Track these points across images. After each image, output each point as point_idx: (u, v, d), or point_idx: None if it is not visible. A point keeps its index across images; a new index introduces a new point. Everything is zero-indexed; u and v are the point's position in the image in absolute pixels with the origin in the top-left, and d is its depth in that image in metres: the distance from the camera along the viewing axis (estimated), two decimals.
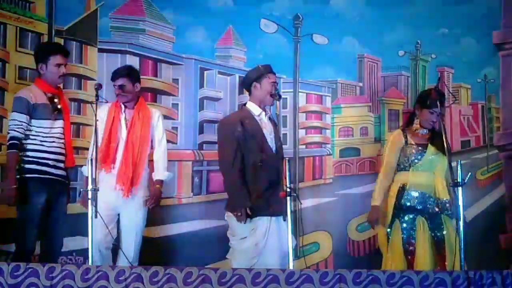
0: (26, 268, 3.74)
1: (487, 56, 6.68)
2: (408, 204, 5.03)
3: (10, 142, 4.85)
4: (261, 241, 4.73)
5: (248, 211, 4.69)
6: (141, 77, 5.77)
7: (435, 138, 5.02)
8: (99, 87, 4.69)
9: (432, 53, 6.77)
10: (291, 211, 4.21)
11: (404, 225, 5.00)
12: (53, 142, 4.93)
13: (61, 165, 4.98)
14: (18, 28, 6.12)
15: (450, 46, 6.70)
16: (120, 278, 3.70)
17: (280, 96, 4.72)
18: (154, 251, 5.70)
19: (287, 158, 4.29)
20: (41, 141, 4.89)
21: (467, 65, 6.73)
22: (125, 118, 5.13)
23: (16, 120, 4.85)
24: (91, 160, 4.33)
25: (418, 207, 5.01)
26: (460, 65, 6.73)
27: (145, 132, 5.11)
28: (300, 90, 6.63)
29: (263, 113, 4.94)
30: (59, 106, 4.96)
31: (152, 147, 5.21)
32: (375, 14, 6.63)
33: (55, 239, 4.99)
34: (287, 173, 4.21)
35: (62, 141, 5.00)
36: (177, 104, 6.50)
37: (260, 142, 4.87)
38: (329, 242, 6.46)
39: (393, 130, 6.81)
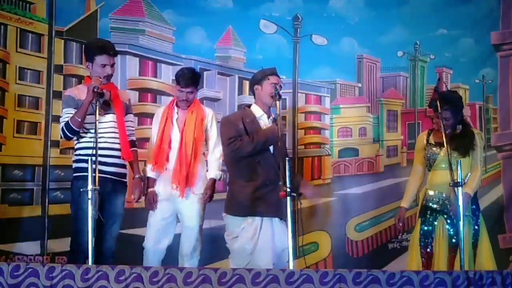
0: (26, 268, 3.71)
1: (486, 56, 6.71)
2: (428, 204, 5.02)
3: (64, 124, 4.71)
4: (250, 241, 4.71)
5: None
6: (141, 77, 5.81)
7: (454, 137, 4.95)
8: (98, 88, 4.67)
9: (431, 53, 6.80)
10: (291, 211, 4.20)
11: (424, 225, 4.99)
12: (102, 137, 4.68)
13: (115, 161, 4.80)
14: (18, 28, 6.13)
15: (448, 46, 6.73)
16: (120, 278, 3.69)
17: (280, 97, 4.72)
18: None
19: (287, 158, 4.28)
20: (90, 137, 4.69)
21: (465, 66, 6.76)
22: (177, 119, 5.09)
23: (65, 113, 4.75)
24: (91, 159, 4.29)
25: (435, 207, 4.98)
26: (459, 65, 6.76)
27: (198, 132, 5.07)
28: (299, 91, 6.64)
29: (265, 115, 4.94)
30: (107, 101, 4.73)
31: (207, 148, 5.19)
32: (374, 15, 6.65)
33: (104, 241, 4.75)
34: (287, 173, 4.20)
35: (115, 135, 4.82)
36: None
37: None
38: (328, 242, 6.48)
39: (391, 130, 6.86)
